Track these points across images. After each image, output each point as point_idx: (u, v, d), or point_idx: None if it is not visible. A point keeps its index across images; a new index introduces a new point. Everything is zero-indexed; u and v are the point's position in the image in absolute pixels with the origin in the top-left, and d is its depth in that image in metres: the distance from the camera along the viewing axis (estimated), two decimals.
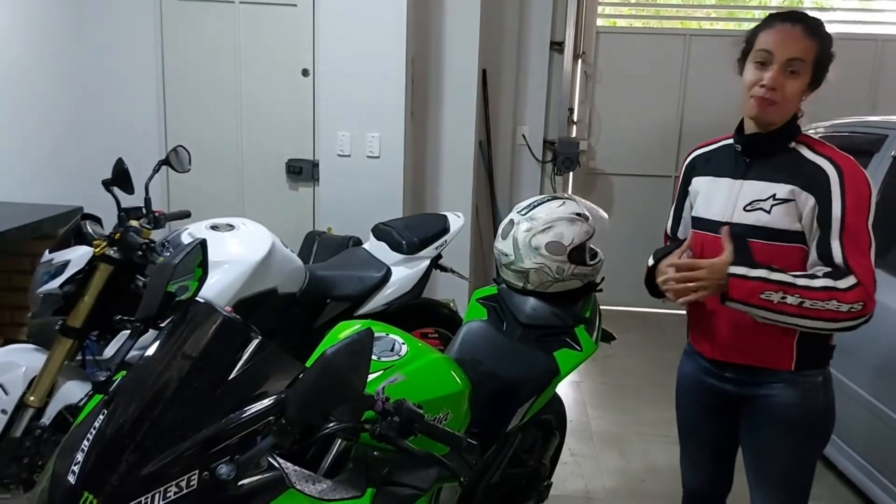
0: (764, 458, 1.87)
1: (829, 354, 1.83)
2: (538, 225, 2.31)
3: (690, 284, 1.66)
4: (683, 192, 1.97)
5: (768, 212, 1.71)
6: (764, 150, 1.76)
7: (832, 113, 3.84)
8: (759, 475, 1.89)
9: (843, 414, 3.09)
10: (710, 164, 1.88)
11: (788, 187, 1.70)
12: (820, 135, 3.80)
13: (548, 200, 2.40)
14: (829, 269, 1.65)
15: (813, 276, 1.64)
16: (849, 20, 5.41)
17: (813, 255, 1.69)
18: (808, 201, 1.68)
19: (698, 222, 1.87)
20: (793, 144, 1.75)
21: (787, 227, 1.70)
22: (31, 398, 2.39)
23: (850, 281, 1.62)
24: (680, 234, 1.99)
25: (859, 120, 3.65)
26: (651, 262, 1.88)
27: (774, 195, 1.71)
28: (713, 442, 2.00)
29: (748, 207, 1.74)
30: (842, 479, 3.23)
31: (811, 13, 1.71)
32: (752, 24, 1.77)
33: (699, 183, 1.89)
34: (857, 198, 1.66)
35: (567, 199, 2.42)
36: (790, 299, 1.61)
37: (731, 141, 1.85)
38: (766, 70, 1.67)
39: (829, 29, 1.71)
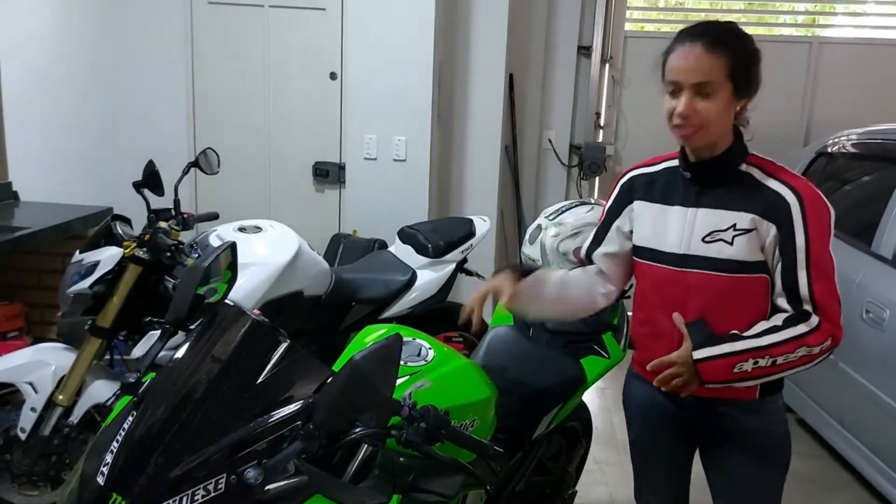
0: (735, 485, 1.80)
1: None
2: (566, 230, 2.30)
3: (675, 381, 1.58)
4: (615, 214, 1.83)
5: (730, 243, 1.61)
6: (716, 176, 1.65)
7: (869, 119, 3.78)
8: (731, 501, 1.82)
9: (872, 425, 2.99)
10: (653, 189, 1.75)
11: (749, 216, 1.61)
12: (853, 142, 3.73)
13: (576, 205, 2.39)
14: (788, 314, 1.59)
15: (775, 329, 1.57)
16: (884, 25, 5.31)
17: (778, 285, 1.61)
18: (770, 230, 1.60)
19: (648, 253, 1.74)
20: (744, 167, 1.65)
21: (749, 259, 1.62)
22: (60, 397, 2.42)
23: (812, 323, 1.56)
24: (597, 257, 1.86)
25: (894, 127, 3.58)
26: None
27: (735, 225, 1.62)
28: (672, 462, 1.92)
29: (707, 238, 1.63)
30: (869, 489, 3.19)
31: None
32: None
33: (642, 208, 1.76)
34: (819, 224, 1.58)
35: (595, 204, 2.40)
36: (762, 362, 1.55)
37: (674, 163, 1.74)
38: (677, 97, 1.58)
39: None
